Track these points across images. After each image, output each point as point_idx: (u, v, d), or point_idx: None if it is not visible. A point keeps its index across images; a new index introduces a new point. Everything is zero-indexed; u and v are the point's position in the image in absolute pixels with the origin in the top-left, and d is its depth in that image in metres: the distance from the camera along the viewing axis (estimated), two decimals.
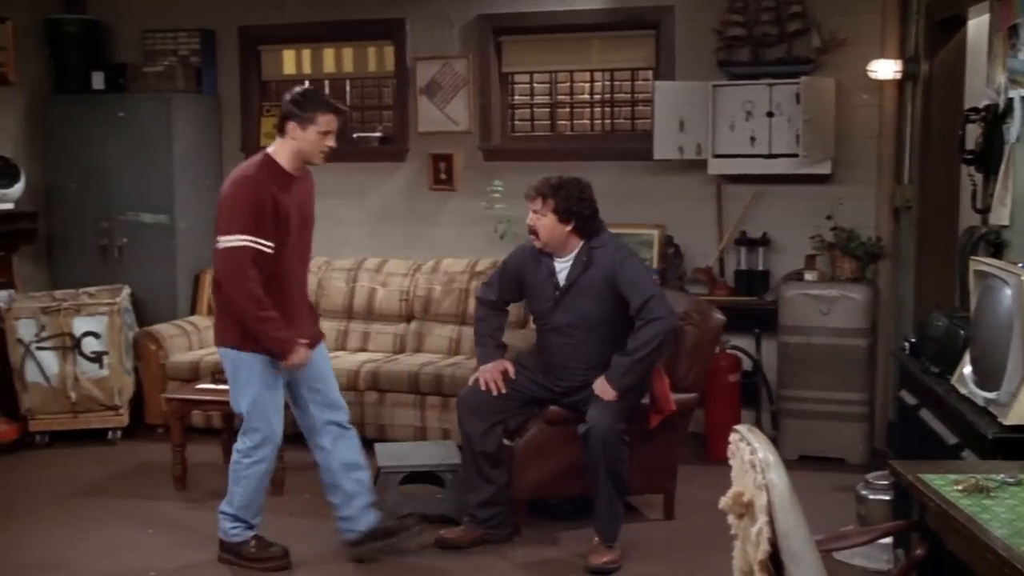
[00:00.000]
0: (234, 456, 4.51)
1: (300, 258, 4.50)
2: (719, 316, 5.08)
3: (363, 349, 6.57)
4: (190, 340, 6.62)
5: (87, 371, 6.15)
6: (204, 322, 6.82)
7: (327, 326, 6.64)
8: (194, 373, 6.23)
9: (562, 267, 4.66)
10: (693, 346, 5.00)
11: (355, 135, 7.15)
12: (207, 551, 4.65)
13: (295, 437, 5.78)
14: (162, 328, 6.58)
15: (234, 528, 4.51)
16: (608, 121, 6.86)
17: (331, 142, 4.34)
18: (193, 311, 6.99)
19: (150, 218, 6.90)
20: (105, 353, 6.21)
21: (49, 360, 6.16)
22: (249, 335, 4.28)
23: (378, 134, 7.09)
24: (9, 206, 6.58)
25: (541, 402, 4.79)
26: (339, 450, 4.54)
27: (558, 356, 4.72)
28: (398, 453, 5.07)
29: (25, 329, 6.16)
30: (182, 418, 5.45)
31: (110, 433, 6.24)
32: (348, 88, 7.37)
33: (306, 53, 7.25)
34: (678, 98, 6.18)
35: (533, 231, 4.64)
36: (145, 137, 6.82)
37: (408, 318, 6.60)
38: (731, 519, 2.54)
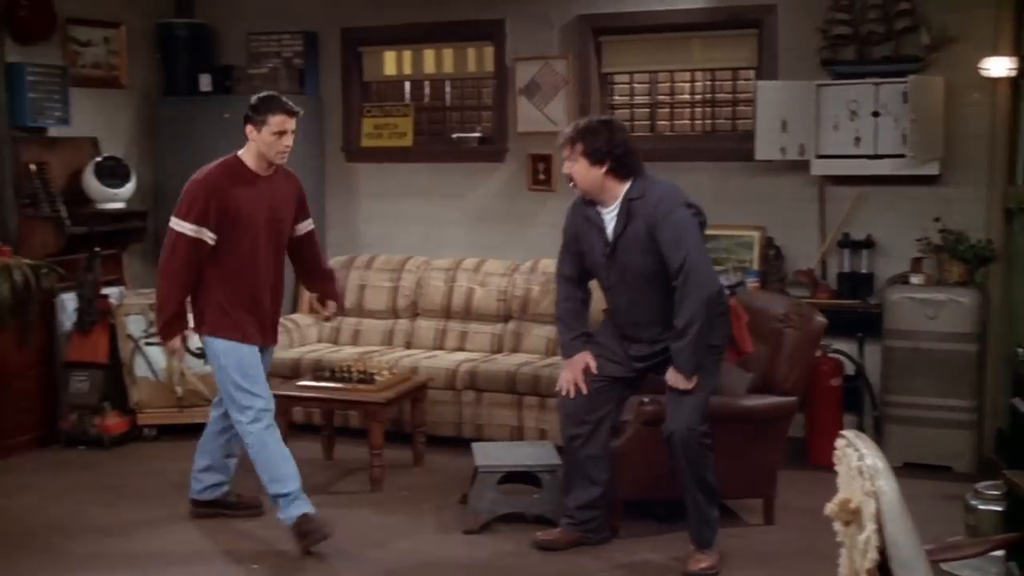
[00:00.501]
0: (243, 437, 4.71)
1: (265, 254, 4.72)
2: (820, 319, 4.99)
3: (461, 349, 6.60)
4: (291, 337, 6.72)
5: (192, 366, 6.26)
6: (305, 320, 6.93)
7: (425, 325, 6.73)
8: (295, 370, 6.32)
9: (609, 219, 4.43)
10: (793, 349, 4.92)
11: (454, 136, 7.20)
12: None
13: (396, 436, 5.89)
14: None
15: (289, 505, 4.66)
16: (708, 122, 6.79)
17: (287, 141, 4.64)
18: (294, 309, 7.10)
19: None
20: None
21: (157, 355, 6.31)
22: (228, 326, 4.65)
23: (477, 135, 7.13)
24: (120, 205, 6.77)
25: (627, 382, 4.63)
26: (229, 434, 4.88)
27: (622, 316, 4.54)
28: (495, 453, 5.08)
29: (134, 325, 6.32)
30: (284, 414, 5.53)
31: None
32: (448, 89, 7.42)
33: (406, 54, 7.32)
34: (781, 98, 6.09)
35: (571, 180, 4.46)
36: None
37: (506, 318, 6.61)
38: (837, 526, 2.49)
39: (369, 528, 4.95)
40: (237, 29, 7.45)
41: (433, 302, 6.74)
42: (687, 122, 6.87)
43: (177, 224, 4.59)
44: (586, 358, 4.62)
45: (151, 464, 5.86)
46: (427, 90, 7.49)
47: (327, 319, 5.33)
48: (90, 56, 6.97)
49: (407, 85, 7.47)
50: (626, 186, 4.38)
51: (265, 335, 4.82)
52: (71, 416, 6.24)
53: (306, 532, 4.59)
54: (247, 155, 4.69)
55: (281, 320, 6.68)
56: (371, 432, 5.39)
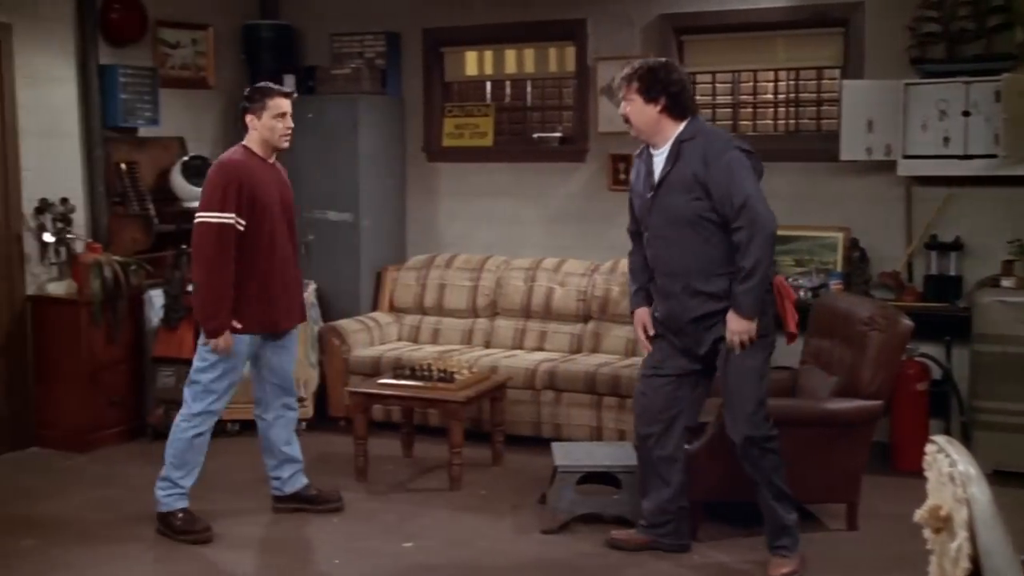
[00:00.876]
0: (176, 420, 4.87)
1: (282, 239, 4.82)
2: (906, 322, 4.90)
3: (540, 348, 6.61)
4: (372, 336, 6.79)
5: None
6: (386, 318, 6.99)
7: (504, 324, 6.74)
8: (375, 368, 6.38)
9: (659, 161, 4.32)
10: (878, 352, 4.83)
11: (535, 135, 7.21)
12: (389, 541, 4.77)
13: (475, 435, 5.91)
14: (345, 323, 6.77)
15: (167, 495, 4.82)
16: (792, 121, 6.70)
17: (288, 123, 4.77)
18: (375, 307, 7.16)
19: (335, 216, 7.10)
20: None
21: None
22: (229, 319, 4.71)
23: (558, 134, 7.12)
24: None
25: (697, 377, 4.50)
26: (278, 426, 5.05)
27: (659, 266, 4.38)
28: (575, 453, 5.08)
29: None
30: (365, 411, 5.58)
31: (298, 423, 6.44)
32: (529, 89, 7.43)
33: (488, 54, 7.34)
34: (867, 97, 5.99)
35: (627, 121, 4.37)
36: (332, 137, 7.03)
37: (585, 318, 6.60)
38: (927, 533, 2.44)
39: (447, 526, 4.98)
40: (320, 30, 7.54)
41: (513, 302, 6.75)
42: (770, 122, 6.79)
43: (211, 216, 4.63)
44: (644, 316, 4.54)
45: (233, 458, 5.95)
46: (508, 90, 7.51)
47: None
48: (178, 58, 7.11)
49: (488, 85, 7.50)
50: (680, 127, 4.29)
51: (292, 317, 4.94)
52: (158, 410, 6.36)
53: (185, 529, 4.77)
54: (253, 142, 4.81)
55: (361, 319, 6.85)
56: (450, 431, 5.42)
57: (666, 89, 4.24)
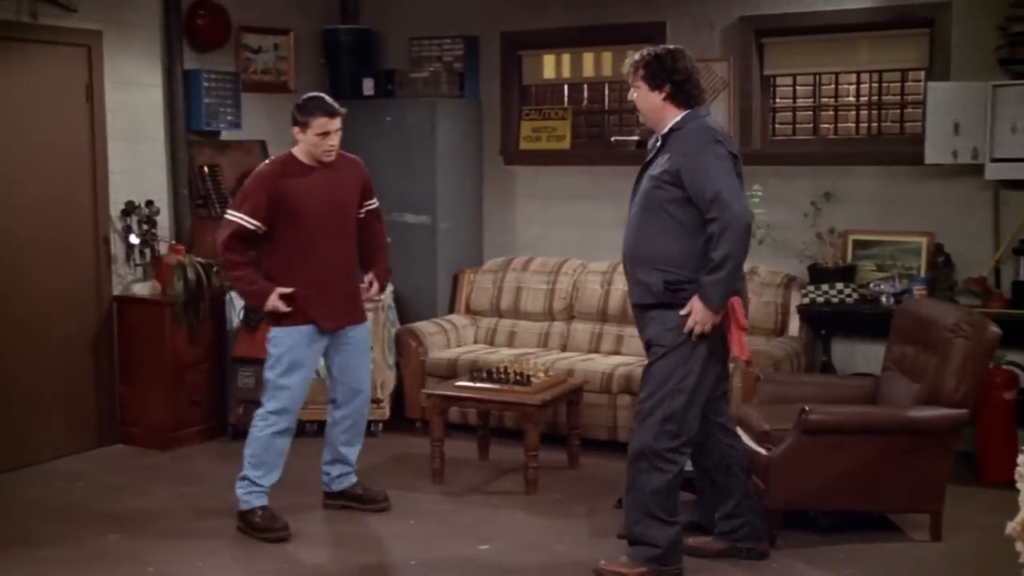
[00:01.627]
0: (253, 420, 4.96)
1: (327, 239, 4.88)
2: (994, 329, 4.78)
3: (616, 352, 6.58)
4: (448, 338, 6.82)
5: None
6: (462, 321, 7.01)
7: (581, 328, 6.73)
8: (452, 370, 6.40)
9: (652, 148, 4.37)
10: (963, 360, 4.72)
11: (612, 139, 7.18)
12: (464, 544, 4.78)
13: (551, 438, 5.90)
14: (422, 325, 6.81)
15: (247, 492, 4.89)
16: (875, 124, 6.59)
17: (332, 141, 4.84)
18: (452, 310, 7.19)
19: (413, 218, 7.14)
20: (370, 347, 6.45)
21: None
22: (289, 314, 4.83)
23: (635, 138, 7.08)
24: None
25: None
26: (342, 426, 5.15)
27: (624, 259, 4.41)
28: None
29: None
30: (441, 414, 5.61)
31: (372, 426, 6.48)
32: (607, 92, 7.40)
33: (565, 57, 7.33)
34: (953, 99, 5.86)
35: (637, 109, 4.41)
36: (410, 141, 7.08)
37: None
38: (1019, 546, 2.39)
39: (523, 529, 4.98)
40: (399, 34, 7.59)
41: (589, 305, 6.73)
42: (851, 125, 6.68)
43: (234, 216, 4.84)
44: None
45: (312, 459, 5.98)
46: (585, 93, 7.49)
47: (368, 296, 5.28)
48: (260, 62, 7.22)
49: (566, 88, 7.49)
50: (680, 116, 4.26)
51: (338, 317, 4.96)
52: (238, 410, 6.46)
53: (264, 527, 4.83)
54: (299, 151, 4.91)
55: (438, 321, 6.88)
56: (527, 433, 5.42)
57: (671, 77, 4.24)
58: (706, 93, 4.37)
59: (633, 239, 4.33)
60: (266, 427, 4.90)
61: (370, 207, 5.18)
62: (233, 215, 4.84)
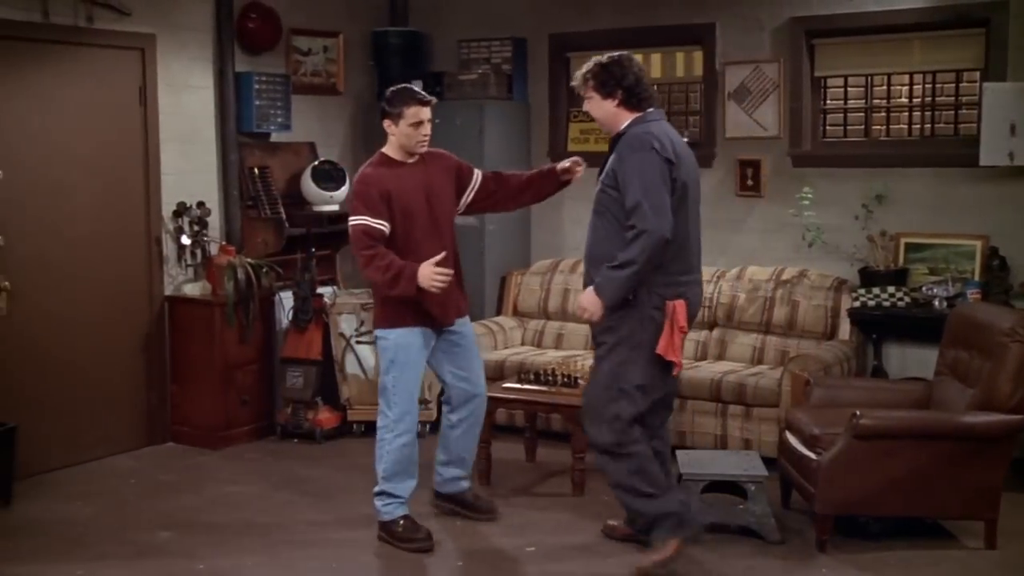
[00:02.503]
0: (378, 433, 4.86)
1: (427, 236, 4.79)
2: None
3: None
4: (495, 340, 6.82)
5: None
6: (510, 323, 7.01)
7: None
8: (499, 372, 6.40)
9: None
10: (1019, 365, 4.65)
11: None
12: (511, 545, 4.79)
13: None
14: None
15: (385, 504, 4.81)
16: (928, 126, 6.51)
17: (425, 130, 4.75)
18: (499, 311, 7.20)
19: (461, 221, 7.00)
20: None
21: (366, 354, 6.50)
22: (392, 316, 4.77)
23: (684, 139, 6.99)
24: (335, 207, 7.01)
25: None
26: (460, 429, 5.05)
27: (584, 257, 4.56)
28: (700, 461, 5.01)
29: (346, 324, 6.53)
30: (488, 415, 5.59)
31: (418, 426, 6.50)
32: (656, 93, 7.35)
33: None
34: (1009, 100, 5.77)
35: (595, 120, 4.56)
36: (459, 142, 7.04)
37: (711, 325, 6.52)
38: None
39: (569, 532, 4.97)
40: (448, 36, 7.61)
41: None
42: (904, 127, 6.60)
43: (359, 220, 4.70)
44: None
45: (359, 460, 6.04)
46: None
47: (574, 174, 5.11)
48: (310, 64, 7.27)
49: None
50: (632, 118, 4.42)
51: (449, 311, 4.88)
52: (287, 410, 6.51)
53: (407, 537, 4.75)
54: (390, 149, 4.84)
55: (486, 323, 6.88)
56: (574, 436, 5.41)
57: (621, 83, 4.38)
58: (654, 99, 4.51)
59: (589, 241, 4.49)
60: (394, 437, 4.80)
61: (481, 178, 5.06)
62: (357, 220, 4.70)
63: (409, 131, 4.74)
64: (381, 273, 4.63)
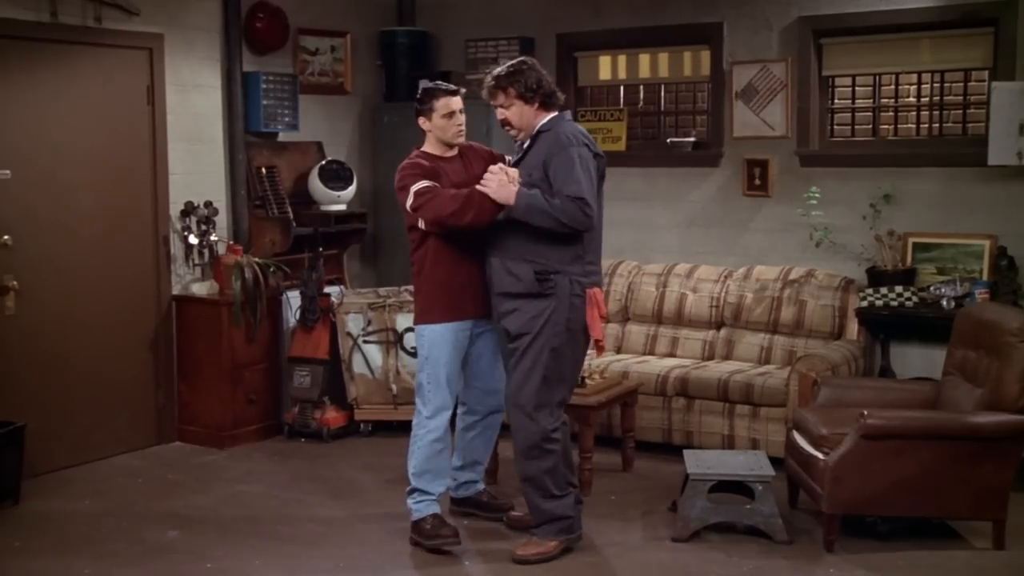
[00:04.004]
0: (412, 430, 4.85)
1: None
2: None
3: (671, 354, 6.54)
4: None
5: (407, 365, 6.42)
6: None
7: (636, 330, 6.70)
8: None
9: (520, 150, 4.62)
10: None
11: (668, 140, 7.14)
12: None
13: (605, 440, 5.88)
14: None
15: (417, 502, 4.79)
16: (936, 125, 6.50)
17: (459, 120, 4.79)
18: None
19: None
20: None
21: (374, 353, 6.51)
22: (426, 310, 4.75)
23: (691, 139, 7.04)
24: (342, 207, 7.03)
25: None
26: (476, 431, 5.04)
27: (487, 241, 4.59)
28: (707, 460, 5.00)
29: (353, 323, 6.54)
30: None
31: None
32: (662, 93, 7.37)
33: (621, 59, 7.30)
34: (1018, 99, 5.75)
35: (508, 125, 4.58)
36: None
37: (718, 325, 6.51)
38: None
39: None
40: (456, 36, 7.61)
41: (644, 307, 6.70)
42: (912, 126, 6.59)
43: (417, 185, 4.60)
44: None
45: (366, 459, 6.05)
46: (641, 94, 7.46)
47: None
48: (317, 64, 7.27)
49: (621, 90, 7.46)
50: (546, 118, 4.54)
51: (481, 302, 4.77)
52: (294, 409, 6.52)
53: (433, 534, 4.72)
54: (429, 146, 4.86)
55: None
56: (581, 435, 5.41)
57: (540, 87, 4.50)
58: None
59: (505, 232, 4.50)
60: (425, 434, 4.78)
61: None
62: (418, 185, 4.60)
63: (443, 123, 4.76)
64: (455, 201, 4.52)
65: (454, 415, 4.94)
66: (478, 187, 4.49)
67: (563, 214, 4.34)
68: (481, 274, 4.72)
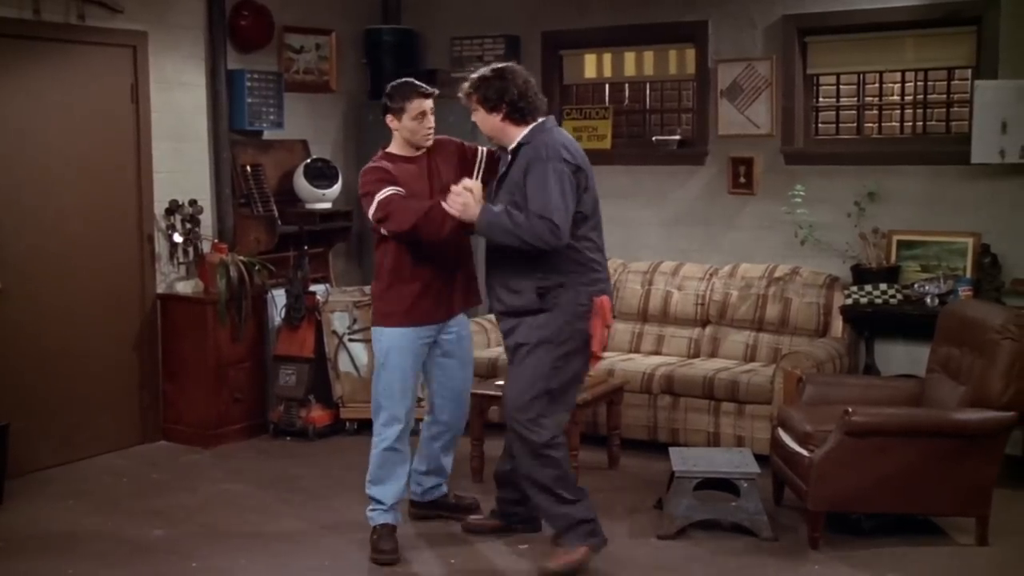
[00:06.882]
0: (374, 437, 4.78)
1: None
2: None
3: (657, 352, 6.56)
4: (488, 338, 6.81)
5: None
6: None
7: (622, 328, 6.70)
8: (492, 370, 6.39)
9: (505, 162, 4.48)
10: (1011, 362, 4.66)
11: (654, 138, 7.15)
12: (504, 543, 4.79)
13: (591, 438, 5.89)
14: None
15: (371, 510, 4.74)
16: (919, 123, 6.52)
17: (429, 123, 4.63)
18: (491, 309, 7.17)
19: None
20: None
21: (359, 352, 6.50)
22: (383, 313, 4.65)
23: (677, 137, 7.05)
24: (327, 205, 7.02)
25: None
26: (444, 439, 4.96)
27: (487, 270, 4.49)
28: (692, 458, 5.01)
29: (339, 321, 6.53)
30: (481, 413, 5.60)
31: (416, 424, 6.48)
32: (648, 91, 7.37)
33: (607, 57, 7.31)
34: (1001, 98, 5.79)
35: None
36: None
37: (703, 323, 6.53)
38: None
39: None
40: (441, 34, 7.61)
41: (630, 305, 6.71)
42: (896, 124, 6.62)
43: (381, 194, 4.48)
44: None
45: (351, 458, 6.03)
46: (627, 93, 7.46)
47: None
48: (302, 62, 7.26)
49: (607, 88, 7.47)
50: (525, 131, 4.37)
51: (452, 305, 4.74)
52: (279, 408, 6.50)
53: (374, 547, 4.66)
54: (395, 146, 4.74)
55: (479, 320, 6.88)
56: (567, 433, 5.39)
57: (503, 98, 4.33)
58: (543, 106, 4.46)
59: (500, 253, 4.37)
60: (380, 442, 4.71)
61: (486, 152, 4.86)
62: (382, 194, 4.48)
63: (413, 125, 4.63)
64: (416, 215, 4.42)
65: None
66: (443, 204, 4.34)
67: (527, 232, 4.16)
68: (446, 276, 4.66)
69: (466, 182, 4.38)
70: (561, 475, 4.40)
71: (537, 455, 4.36)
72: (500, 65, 4.49)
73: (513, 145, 4.39)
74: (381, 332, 4.70)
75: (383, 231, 4.60)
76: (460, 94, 4.49)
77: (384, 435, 4.71)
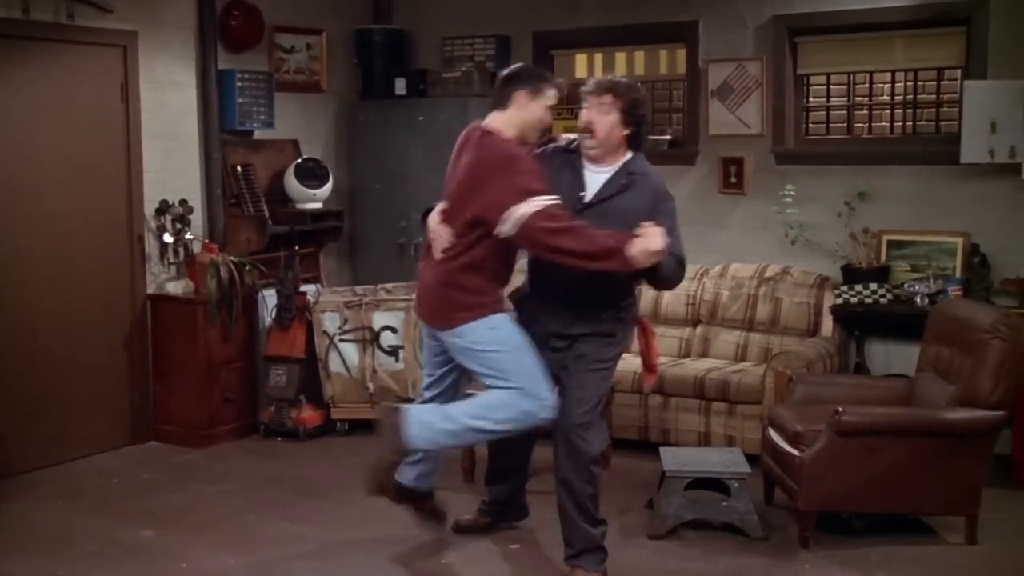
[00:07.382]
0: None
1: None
2: None
3: None
4: None
5: (384, 364, 6.42)
6: None
7: None
8: None
9: (595, 179, 4.29)
10: (1000, 361, 4.68)
11: None
12: (495, 543, 4.79)
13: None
14: None
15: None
16: (909, 123, 6.54)
17: (550, 118, 4.31)
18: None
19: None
20: (401, 347, 6.45)
21: (350, 352, 6.49)
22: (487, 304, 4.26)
23: (667, 137, 7.06)
24: (318, 205, 7.01)
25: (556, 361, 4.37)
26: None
27: (565, 290, 4.31)
28: (683, 458, 5.03)
29: (330, 322, 6.52)
30: None
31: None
32: None
33: (598, 57, 7.32)
34: (990, 98, 5.81)
35: (588, 128, 4.24)
36: (443, 140, 6.96)
37: (694, 322, 6.53)
38: None
39: (554, 529, 4.94)
40: (431, 34, 7.61)
41: None
42: (886, 124, 6.63)
43: (550, 201, 4.02)
44: None
45: (343, 458, 6.03)
46: None
47: None
48: (293, 62, 7.25)
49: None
50: (628, 156, 4.34)
51: (420, 311, 4.55)
52: (270, 408, 6.50)
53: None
54: (509, 131, 4.17)
55: None
56: None
57: (638, 120, 4.29)
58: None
59: (594, 289, 4.29)
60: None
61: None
62: (552, 203, 4.01)
63: (541, 113, 4.22)
64: (592, 242, 3.99)
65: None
66: (640, 244, 3.94)
67: (674, 276, 4.34)
68: (424, 280, 4.46)
69: (656, 240, 3.99)
70: (596, 494, 4.39)
71: (584, 467, 4.31)
72: (640, 90, 4.36)
73: (616, 168, 4.30)
74: (495, 319, 4.25)
75: (505, 230, 4.07)
76: (595, 84, 4.30)
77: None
